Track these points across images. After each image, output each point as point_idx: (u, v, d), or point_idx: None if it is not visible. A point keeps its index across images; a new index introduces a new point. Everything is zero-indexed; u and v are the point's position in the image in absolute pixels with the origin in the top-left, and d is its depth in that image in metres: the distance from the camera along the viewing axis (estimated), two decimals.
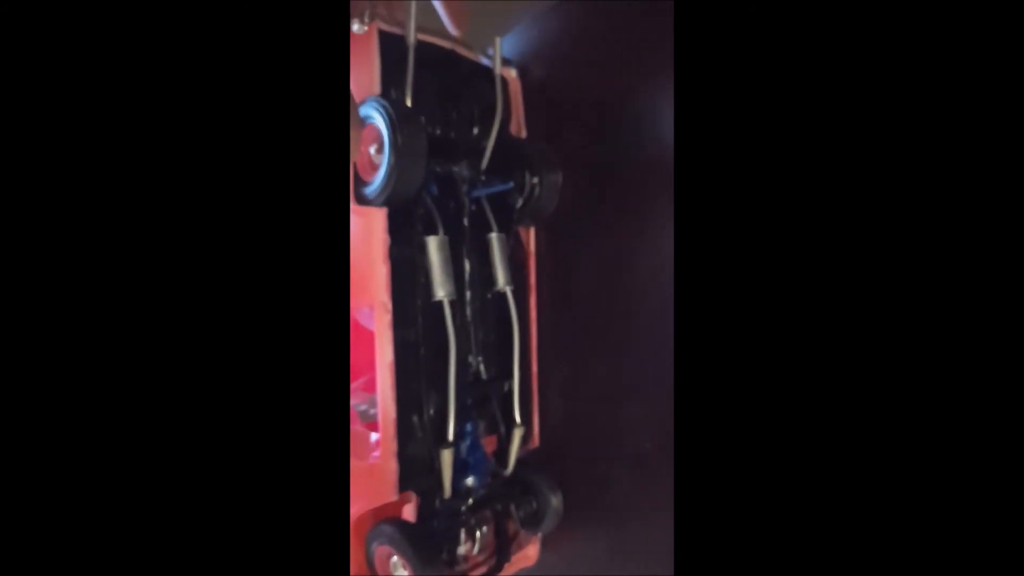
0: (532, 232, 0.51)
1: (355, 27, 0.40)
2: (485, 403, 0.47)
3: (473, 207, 0.46)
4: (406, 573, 0.43)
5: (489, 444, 0.48)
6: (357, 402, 0.49)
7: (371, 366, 0.42)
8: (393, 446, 0.40)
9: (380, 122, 0.38)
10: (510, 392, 0.47)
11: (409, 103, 0.41)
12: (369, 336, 0.42)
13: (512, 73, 0.50)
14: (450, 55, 0.45)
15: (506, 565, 0.48)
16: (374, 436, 0.43)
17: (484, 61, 0.48)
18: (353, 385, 0.48)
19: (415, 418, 0.42)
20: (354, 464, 0.42)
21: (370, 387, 0.45)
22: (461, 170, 0.45)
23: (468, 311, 0.45)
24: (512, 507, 0.49)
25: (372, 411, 0.48)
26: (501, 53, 0.47)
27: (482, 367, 0.47)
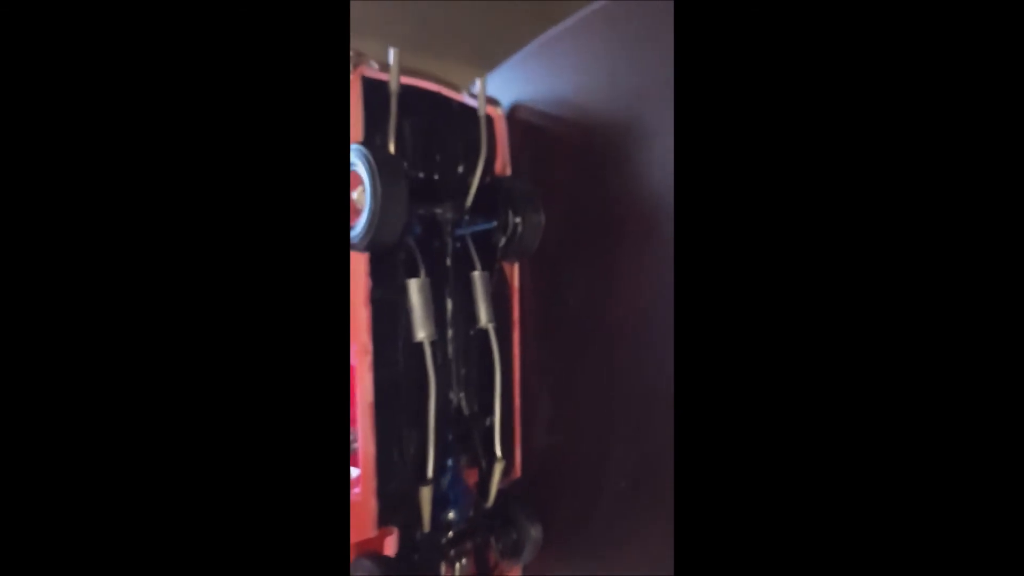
0: (516, 267, 0.52)
1: None
2: (467, 438, 0.48)
3: (457, 244, 0.47)
4: None
5: (471, 475, 0.49)
6: None
7: (353, 402, 0.43)
8: (373, 484, 0.41)
9: (362, 169, 0.39)
10: (491, 427, 0.48)
11: (392, 149, 0.42)
12: (352, 372, 0.43)
13: (498, 111, 0.51)
14: (435, 97, 0.46)
15: None
16: (354, 472, 0.44)
17: (469, 100, 0.48)
18: None
19: (395, 455, 0.43)
20: None
21: (352, 422, 0.46)
22: (445, 212, 0.46)
23: (450, 349, 0.46)
24: (492, 539, 0.49)
25: (353, 445, 0.49)
26: (486, 92, 0.48)
27: (463, 403, 0.48)
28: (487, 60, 0.53)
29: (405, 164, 0.43)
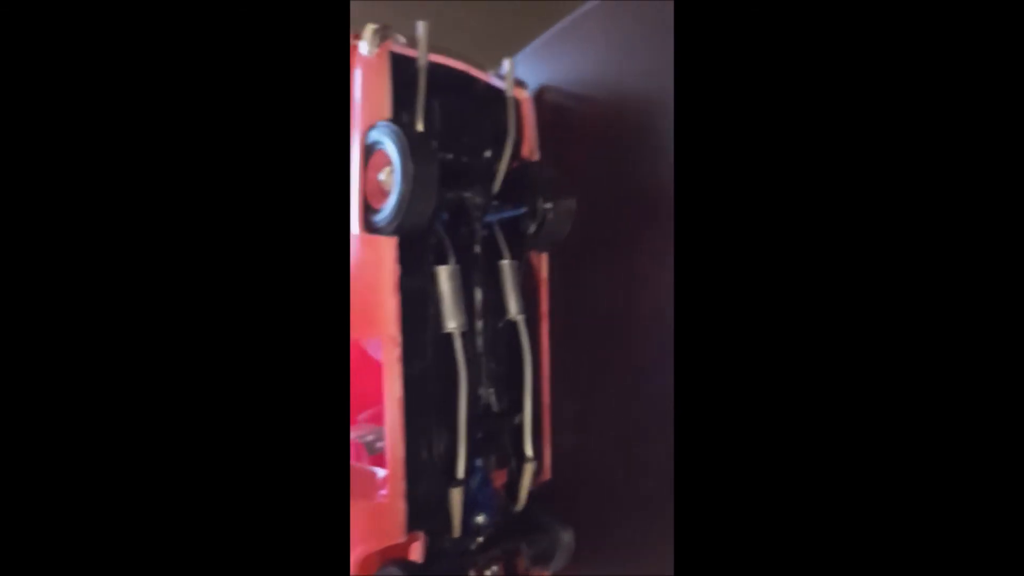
0: (544, 258, 0.49)
1: (365, 49, 0.38)
2: (496, 437, 0.45)
3: (485, 232, 0.44)
4: None
5: (499, 477, 0.47)
6: (363, 433, 0.47)
7: (378, 397, 0.40)
8: (402, 486, 0.39)
9: (391, 148, 0.37)
10: (521, 425, 0.45)
11: (420, 127, 0.39)
12: (377, 366, 0.40)
13: (524, 94, 0.48)
14: (462, 76, 0.44)
15: None
16: (380, 472, 0.41)
17: (497, 82, 0.46)
18: (360, 417, 0.46)
19: (424, 455, 0.41)
20: (360, 504, 0.40)
21: (377, 419, 0.44)
22: (473, 196, 0.43)
23: (479, 342, 0.44)
24: (523, 545, 0.47)
25: (379, 444, 0.46)
26: (514, 74, 0.45)
27: (493, 399, 0.45)
28: (516, 40, 0.51)
29: (435, 144, 0.41)
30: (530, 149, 0.49)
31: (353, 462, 0.45)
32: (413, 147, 0.36)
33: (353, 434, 0.47)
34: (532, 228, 0.46)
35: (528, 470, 0.45)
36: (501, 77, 0.46)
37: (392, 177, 0.37)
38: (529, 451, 0.45)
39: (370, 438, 0.48)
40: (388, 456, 0.39)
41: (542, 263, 0.49)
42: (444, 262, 0.40)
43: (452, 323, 0.40)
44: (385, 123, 0.37)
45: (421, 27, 0.40)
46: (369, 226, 0.38)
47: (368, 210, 0.38)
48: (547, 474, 0.49)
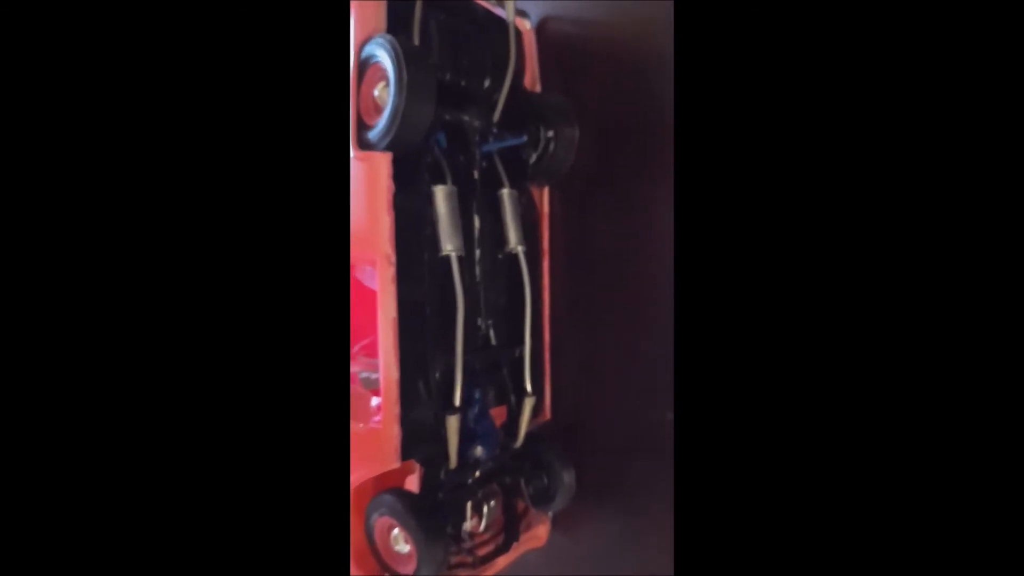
0: (546, 192, 0.48)
1: None
2: (494, 370, 0.44)
3: (484, 163, 0.43)
4: (408, 547, 0.40)
5: (498, 415, 0.46)
6: (359, 368, 0.46)
7: (374, 328, 0.39)
8: (396, 410, 0.38)
9: (386, 60, 0.36)
10: (521, 359, 0.44)
11: (416, 42, 0.38)
12: (372, 296, 0.39)
13: (527, 25, 0.47)
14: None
15: (514, 545, 0.45)
16: (375, 400, 0.41)
17: (498, 11, 0.45)
18: (354, 349, 0.45)
19: (419, 382, 0.40)
20: (354, 428, 0.39)
21: (372, 351, 0.43)
22: (472, 120, 0.42)
23: (477, 271, 0.43)
24: (522, 482, 0.46)
25: (375, 377, 0.45)
26: (515, 5, 0.44)
27: (492, 332, 0.44)
28: None
29: (433, 57, 0.40)
30: (532, 81, 0.47)
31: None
32: (409, 58, 0.35)
33: (351, 368, 0.46)
34: (533, 158, 0.45)
35: (528, 405, 0.44)
36: (501, 5, 0.44)
37: (387, 91, 0.36)
38: (529, 386, 0.44)
39: (365, 374, 0.47)
40: (382, 379, 0.38)
41: (543, 197, 0.48)
42: (441, 182, 0.39)
43: (449, 245, 0.39)
44: (380, 35, 0.36)
45: None
46: (363, 143, 0.37)
47: (362, 127, 0.37)
48: (547, 414, 0.48)
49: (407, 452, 0.39)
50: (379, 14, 0.38)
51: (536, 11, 0.49)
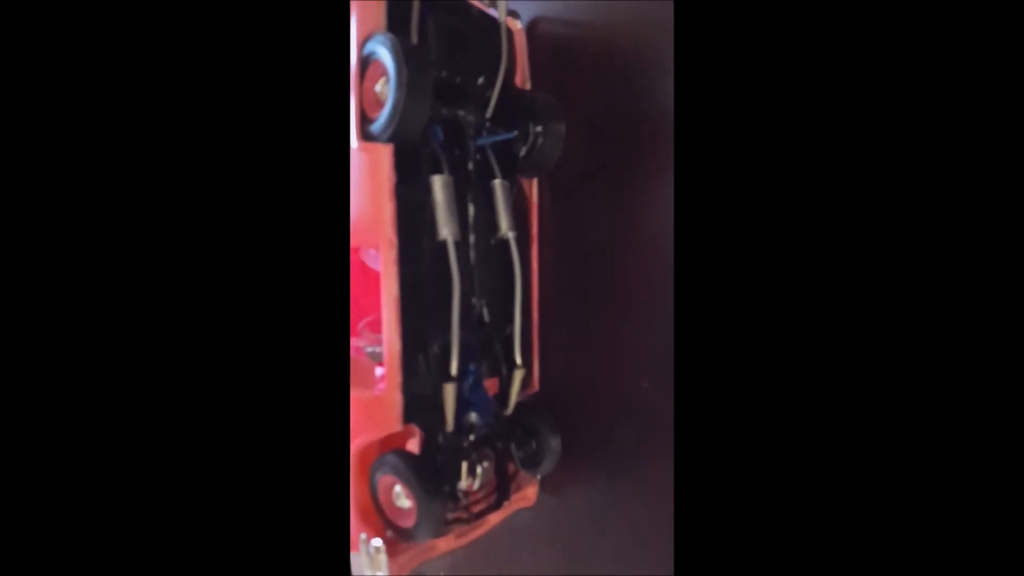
0: (535, 183, 0.52)
1: None
2: (488, 346, 0.48)
3: (478, 156, 0.47)
4: (409, 503, 0.44)
5: (491, 387, 0.50)
6: (365, 343, 0.50)
7: (378, 306, 0.43)
8: (398, 379, 0.42)
9: (386, 57, 0.39)
10: (511, 335, 0.48)
11: (415, 41, 0.42)
12: (376, 277, 0.43)
13: (518, 24, 0.51)
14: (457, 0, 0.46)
15: (505, 504, 0.50)
16: (380, 371, 0.45)
17: (491, 12, 0.48)
18: (359, 324, 0.49)
19: (419, 354, 0.44)
20: (359, 395, 0.43)
21: (376, 327, 0.47)
22: (466, 115, 0.46)
23: (472, 255, 0.47)
24: (512, 446, 0.50)
25: (379, 351, 0.49)
26: (507, 6, 0.48)
27: (485, 311, 0.48)
28: None
29: (431, 53, 0.43)
30: (523, 79, 0.51)
31: (355, 356, 0.48)
32: (409, 56, 0.39)
33: (355, 343, 0.50)
34: (523, 151, 0.49)
35: (517, 376, 0.48)
36: (494, 5, 0.48)
37: (387, 87, 0.40)
38: (519, 359, 0.48)
39: (370, 348, 0.51)
40: (385, 351, 0.42)
41: (532, 188, 0.52)
42: (439, 173, 0.43)
43: (446, 230, 0.43)
44: (381, 33, 0.40)
45: None
46: (366, 135, 0.41)
47: (365, 120, 0.41)
48: (535, 386, 0.53)
49: (408, 417, 0.43)
50: (379, 13, 0.41)
51: (527, 12, 0.52)
